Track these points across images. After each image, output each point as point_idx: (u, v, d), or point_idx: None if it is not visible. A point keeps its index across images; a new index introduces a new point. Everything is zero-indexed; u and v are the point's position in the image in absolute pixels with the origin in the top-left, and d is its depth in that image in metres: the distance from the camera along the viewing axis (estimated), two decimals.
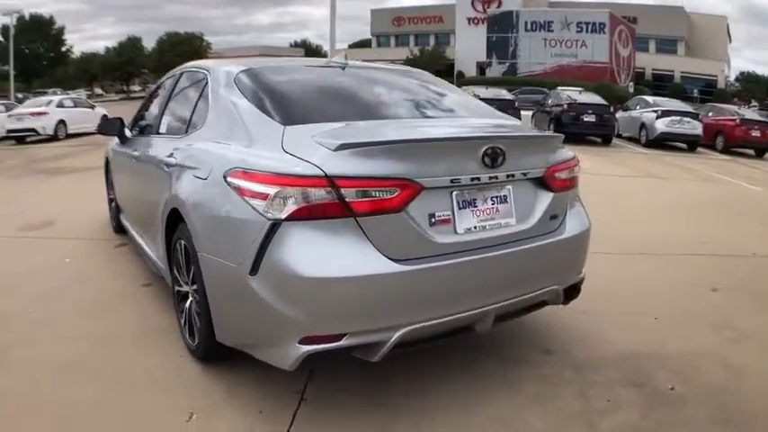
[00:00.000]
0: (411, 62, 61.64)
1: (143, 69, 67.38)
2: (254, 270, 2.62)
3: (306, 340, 2.58)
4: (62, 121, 20.36)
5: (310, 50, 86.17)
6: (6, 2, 49.14)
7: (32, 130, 19.52)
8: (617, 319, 4.14)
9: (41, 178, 11.07)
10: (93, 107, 22.72)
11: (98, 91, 64.51)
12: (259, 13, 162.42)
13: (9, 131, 19.68)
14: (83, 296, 4.41)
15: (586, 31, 53.26)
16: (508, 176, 3.00)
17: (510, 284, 3.02)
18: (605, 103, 19.92)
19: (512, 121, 3.97)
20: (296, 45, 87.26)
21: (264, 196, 2.60)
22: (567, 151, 3.47)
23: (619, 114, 21.26)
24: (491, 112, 3.96)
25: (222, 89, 3.47)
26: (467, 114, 3.79)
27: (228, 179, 2.79)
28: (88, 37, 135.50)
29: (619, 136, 20.54)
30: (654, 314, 4.21)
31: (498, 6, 57.39)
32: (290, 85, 3.59)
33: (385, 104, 3.62)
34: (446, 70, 58.22)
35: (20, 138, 19.60)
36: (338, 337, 2.59)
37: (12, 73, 41.81)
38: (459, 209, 2.87)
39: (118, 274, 4.94)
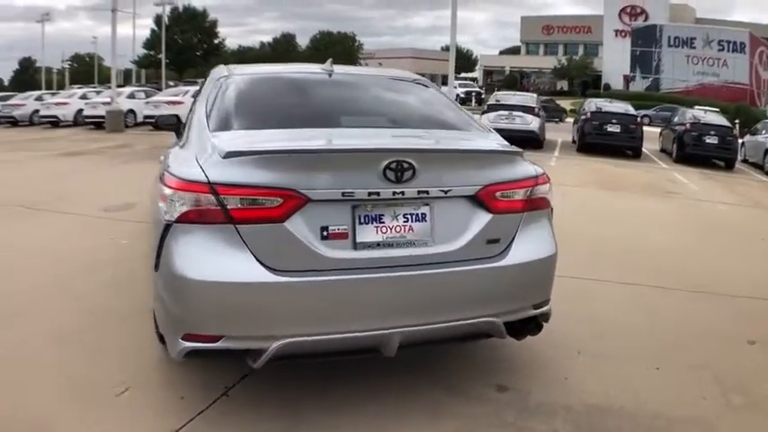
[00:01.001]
0: (558, 71, 60.11)
1: None
2: (156, 267, 2.73)
3: (186, 337, 2.59)
4: (131, 111, 21.80)
5: (460, 55, 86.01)
6: None
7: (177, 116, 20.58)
8: (610, 363, 3.58)
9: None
10: None
11: None
12: (417, 16, 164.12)
13: (146, 117, 21.11)
14: (103, 276, 4.77)
15: (727, 50, 50.40)
16: (420, 193, 2.71)
17: (422, 309, 2.73)
18: (728, 125, 17.84)
19: (470, 134, 3.39)
20: (446, 49, 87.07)
21: (165, 198, 2.64)
22: (532, 167, 3.05)
23: (747, 138, 18.96)
24: (455, 124, 3.49)
25: (202, 95, 3.51)
26: (414, 125, 3.42)
27: (159, 182, 2.88)
28: (251, 31, 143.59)
29: (745, 161, 18.25)
30: (658, 363, 3.59)
31: (645, 19, 54.46)
32: (245, 93, 3.49)
33: (325, 113, 3.38)
34: (593, 81, 55.98)
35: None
36: (215, 339, 2.56)
37: (164, 61, 44.54)
38: (360, 224, 2.66)
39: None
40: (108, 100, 22.10)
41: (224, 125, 3.04)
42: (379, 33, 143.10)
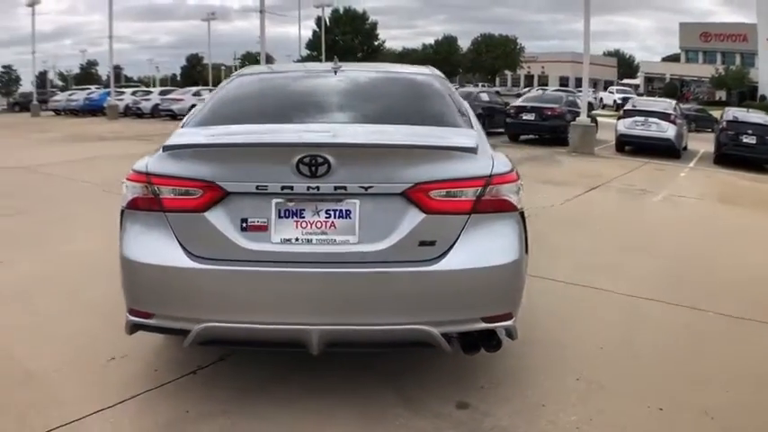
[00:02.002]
0: (716, 81, 54.84)
1: (459, 69, 69.51)
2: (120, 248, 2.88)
3: (130, 311, 2.73)
4: None
5: (623, 61, 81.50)
6: None
7: None
8: (606, 393, 3.05)
9: None
10: None
11: None
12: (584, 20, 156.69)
13: None
14: None
15: None
16: (337, 189, 2.56)
17: (343, 309, 2.58)
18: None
19: (437, 131, 3.01)
20: (609, 54, 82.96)
21: (125, 188, 2.81)
22: (487, 165, 2.67)
23: None
24: (432, 120, 3.15)
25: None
26: (378, 121, 3.10)
27: None
28: (419, 33, 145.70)
29: None
30: (660, 404, 2.97)
31: None
32: (233, 91, 3.59)
33: (293, 110, 3.27)
34: (750, 92, 50.50)
35: None
36: (149, 316, 2.68)
37: (324, 60, 46.04)
38: (279, 218, 2.60)
39: None
40: None
41: (197, 121, 3.13)
42: (547, 37, 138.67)
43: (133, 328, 2.74)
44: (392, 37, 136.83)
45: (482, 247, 2.61)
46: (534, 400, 2.93)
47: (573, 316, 4.01)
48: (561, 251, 5.49)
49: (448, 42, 70.20)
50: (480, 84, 57.08)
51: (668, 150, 14.38)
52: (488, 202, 2.62)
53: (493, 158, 2.74)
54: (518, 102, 17.69)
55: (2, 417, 2.71)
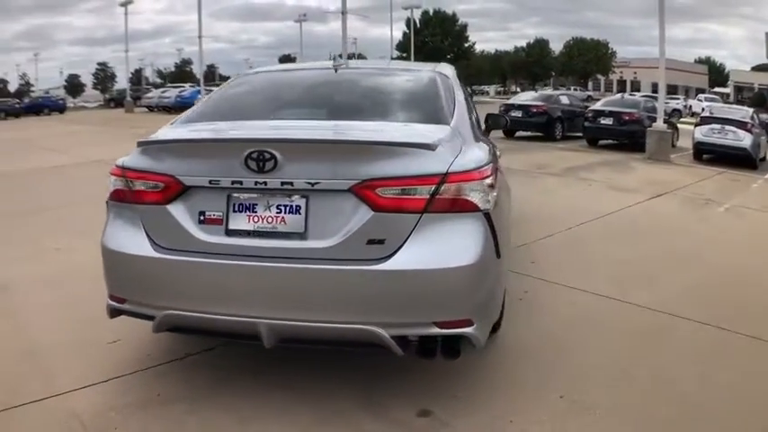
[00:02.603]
0: None
1: (551, 72, 67.55)
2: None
3: (110, 296, 2.86)
4: None
5: (714, 69, 76.53)
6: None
7: None
8: (588, 415, 2.81)
9: None
10: None
11: (514, 88, 67.06)
12: (677, 27, 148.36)
13: None
14: None
15: None
16: (284, 184, 2.55)
17: (291, 304, 2.55)
18: None
19: (406, 127, 2.95)
20: (700, 62, 78.16)
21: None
22: (444, 162, 2.54)
23: None
24: (410, 116, 3.14)
25: None
26: (353, 117, 3.11)
27: None
28: (513, 36, 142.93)
29: None
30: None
31: None
32: (230, 89, 3.77)
33: (274, 108, 3.39)
34: None
35: None
36: (123, 301, 2.80)
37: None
38: (234, 212, 2.64)
39: None
40: None
41: (184, 119, 3.26)
42: (640, 43, 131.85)
43: (112, 312, 2.87)
44: (487, 39, 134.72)
45: (435, 248, 2.48)
46: (503, 414, 2.76)
47: (583, 330, 3.74)
48: (601, 260, 5.20)
49: (540, 45, 68.33)
50: (573, 87, 55.22)
51: (744, 160, 13.23)
52: (444, 201, 2.50)
53: (457, 156, 2.60)
54: (596, 105, 17.05)
55: None
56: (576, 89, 46.37)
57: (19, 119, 34.07)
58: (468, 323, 2.55)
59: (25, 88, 75.37)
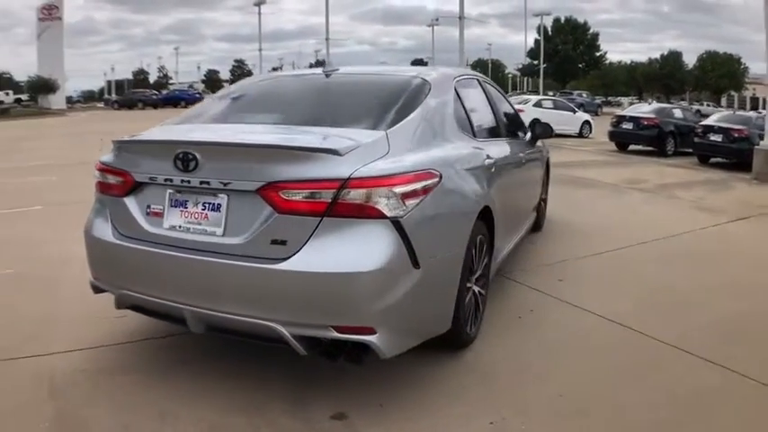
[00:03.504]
0: None
1: (685, 85, 62.74)
2: None
3: (91, 274, 3.11)
4: (537, 120, 20.87)
5: None
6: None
7: None
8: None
9: None
10: (574, 111, 22.65)
11: (649, 101, 63.44)
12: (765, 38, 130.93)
13: None
14: None
15: None
16: (202, 183, 2.66)
17: (207, 296, 2.65)
18: None
19: (341, 130, 2.85)
20: None
21: None
22: (348, 167, 2.47)
23: None
24: (347, 120, 3.07)
25: None
26: (302, 122, 3.12)
27: None
28: (653, 48, 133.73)
29: None
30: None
31: None
32: (225, 91, 3.98)
33: (241, 112, 3.51)
34: None
35: None
36: (96, 279, 3.05)
37: (541, 71, 44.31)
38: (171, 206, 2.79)
39: None
40: (515, 106, 21.83)
41: (174, 120, 3.51)
42: None
43: (93, 289, 3.12)
44: (627, 50, 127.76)
45: (333, 252, 2.43)
46: (419, 430, 2.58)
47: (563, 358, 3.32)
48: (638, 284, 4.62)
49: (673, 57, 63.37)
50: (705, 103, 50.72)
51: None
52: (347, 206, 2.44)
53: (373, 161, 2.52)
54: (707, 121, 15.40)
55: (5, 340, 3.38)
56: (708, 105, 42.25)
57: (156, 109, 37.11)
58: (370, 331, 2.46)
59: (164, 81, 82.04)
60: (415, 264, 2.57)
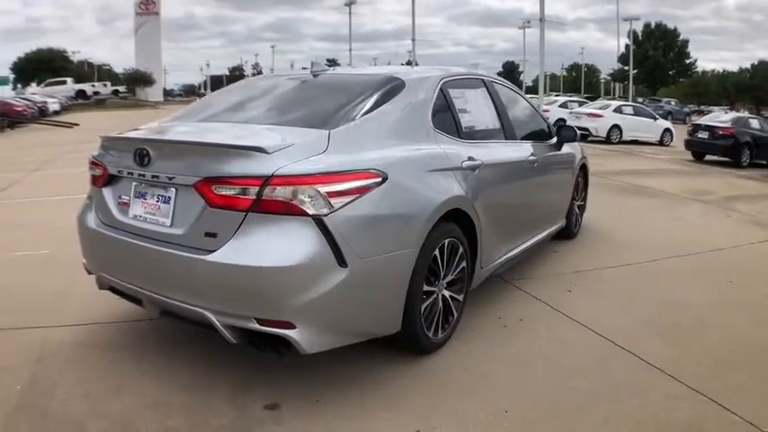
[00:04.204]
0: None
1: None
2: None
3: (83, 258, 3.28)
4: (616, 126, 19.78)
5: None
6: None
7: (586, 129, 19.57)
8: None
9: None
10: (655, 118, 21.19)
11: (742, 111, 58.61)
12: None
13: None
14: None
15: None
16: (153, 177, 2.77)
17: (157, 282, 2.76)
18: None
19: (253, 133, 2.93)
20: None
21: None
22: (272, 165, 2.46)
23: None
24: (298, 120, 3.02)
25: None
26: (260, 121, 3.16)
27: None
28: (747, 57, 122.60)
29: None
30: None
31: None
32: (222, 91, 4.14)
33: (219, 110, 3.51)
34: None
35: (582, 136, 19.85)
36: (86, 261, 3.24)
37: (630, 77, 41.75)
38: (135, 198, 2.91)
39: None
40: (594, 111, 20.31)
41: (167, 117, 3.65)
42: None
43: (86, 270, 3.28)
44: (721, 59, 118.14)
45: (255, 247, 2.43)
46: (341, 430, 2.49)
47: (528, 373, 3.04)
48: (654, 300, 4.15)
49: (764, 68, 57.77)
50: None
51: None
52: (270, 203, 2.43)
53: (303, 160, 2.49)
54: None
55: (20, 312, 3.65)
56: None
57: None
58: (289, 326, 2.42)
59: None
60: (341, 262, 2.48)
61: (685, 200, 8.78)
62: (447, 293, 3.26)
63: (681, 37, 50.27)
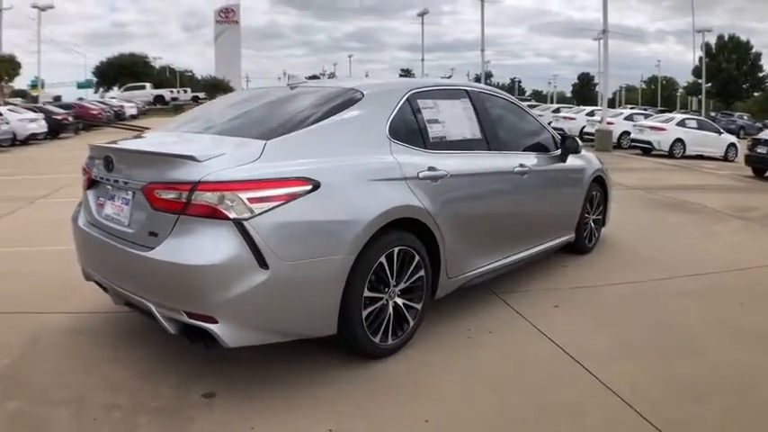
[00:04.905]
0: None
1: None
2: None
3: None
4: (679, 140, 18.53)
5: None
6: None
7: (649, 143, 18.51)
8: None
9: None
10: (719, 132, 19.69)
11: None
12: None
13: (632, 141, 19.37)
14: None
15: None
16: (115, 181, 2.99)
17: (118, 275, 2.97)
18: None
19: (236, 141, 2.94)
20: None
21: None
22: (199, 171, 2.56)
23: None
24: (251, 131, 3.04)
25: None
26: (232, 134, 3.13)
27: None
28: None
29: None
30: None
31: None
32: (210, 102, 4.45)
33: (194, 122, 3.64)
34: None
35: (645, 149, 18.77)
36: (78, 256, 3.41)
37: (704, 90, 38.96)
38: (107, 199, 3.10)
39: None
40: (657, 124, 19.06)
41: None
42: None
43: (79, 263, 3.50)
44: None
45: (183, 246, 2.55)
46: (259, 424, 2.50)
47: (475, 384, 2.91)
48: (640, 319, 3.80)
49: None
50: None
51: None
52: (198, 207, 2.55)
53: (225, 168, 2.56)
54: None
55: (32, 299, 3.93)
56: None
57: None
58: (212, 320, 2.50)
59: None
60: (262, 264, 2.52)
61: (726, 216, 8.03)
62: (400, 301, 3.15)
63: (754, 50, 46.66)
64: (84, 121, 24.76)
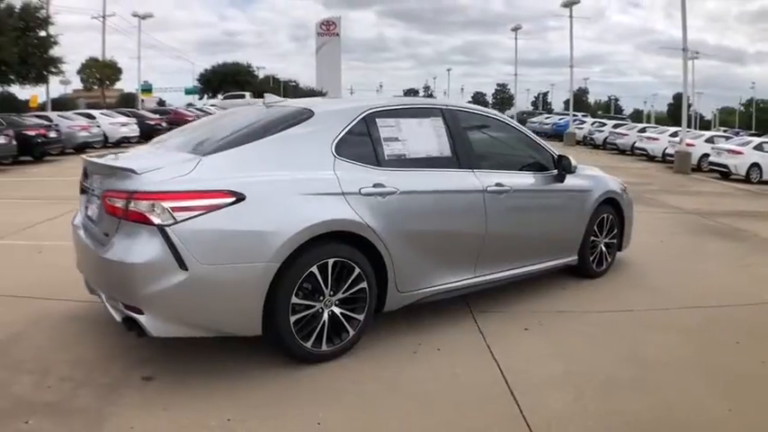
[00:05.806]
0: None
1: None
2: None
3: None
4: (756, 165, 16.77)
5: None
6: None
7: (725, 166, 16.93)
8: None
9: None
10: None
11: None
12: None
13: (710, 163, 17.77)
14: None
15: None
16: (89, 188, 3.32)
17: (87, 268, 3.25)
18: None
19: (187, 156, 3.07)
20: None
21: None
22: (135, 182, 2.79)
23: None
24: (208, 147, 3.15)
25: None
26: (204, 150, 3.12)
27: None
28: None
29: None
30: None
31: None
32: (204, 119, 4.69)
33: (181, 137, 3.76)
34: None
35: (723, 173, 17.18)
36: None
37: None
38: (89, 204, 3.36)
39: None
40: (734, 147, 17.28)
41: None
42: None
43: None
44: None
45: (122, 246, 2.77)
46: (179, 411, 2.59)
47: (395, 399, 2.80)
48: (610, 350, 3.46)
49: None
50: None
51: None
52: (133, 213, 2.75)
53: (158, 180, 2.75)
54: None
55: (46, 287, 4.26)
56: None
57: None
58: (139, 311, 2.70)
59: None
60: (182, 265, 2.68)
61: (764, 243, 7.19)
62: (338, 310, 3.09)
63: None
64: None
